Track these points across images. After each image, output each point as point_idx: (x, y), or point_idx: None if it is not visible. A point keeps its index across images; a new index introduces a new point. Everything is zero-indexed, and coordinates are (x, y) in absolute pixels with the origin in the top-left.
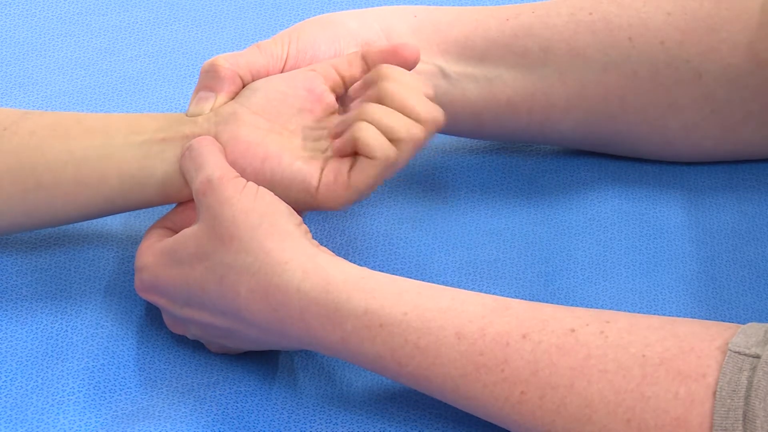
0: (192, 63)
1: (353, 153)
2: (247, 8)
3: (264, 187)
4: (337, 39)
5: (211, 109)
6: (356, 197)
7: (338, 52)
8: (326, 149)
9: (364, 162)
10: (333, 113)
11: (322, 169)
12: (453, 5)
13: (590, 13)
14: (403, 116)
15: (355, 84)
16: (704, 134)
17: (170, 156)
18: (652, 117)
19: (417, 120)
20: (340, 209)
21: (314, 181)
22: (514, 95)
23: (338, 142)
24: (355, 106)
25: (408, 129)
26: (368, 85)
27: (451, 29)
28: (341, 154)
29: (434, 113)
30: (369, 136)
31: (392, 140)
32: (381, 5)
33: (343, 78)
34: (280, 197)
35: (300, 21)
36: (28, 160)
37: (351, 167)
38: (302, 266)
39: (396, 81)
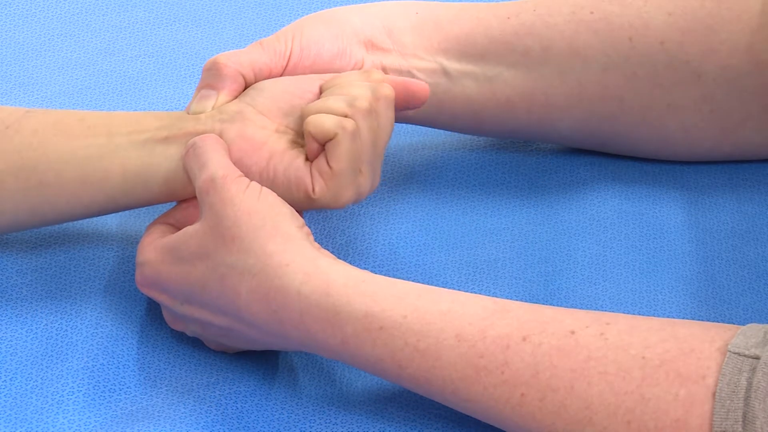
0: (192, 63)
1: (322, 147)
2: (247, 8)
3: (267, 186)
4: (340, 36)
5: (213, 107)
6: (349, 187)
7: (341, 50)
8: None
9: (331, 145)
10: None
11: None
12: (454, 1)
13: (591, 12)
14: (341, 96)
15: None
16: (703, 135)
17: (174, 153)
18: (651, 117)
19: (355, 95)
20: (343, 205)
21: (309, 183)
22: (513, 94)
23: (307, 146)
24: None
25: (349, 102)
26: None
27: (452, 27)
28: (314, 155)
29: (385, 87)
30: (317, 120)
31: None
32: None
33: None
34: (282, 198)
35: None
36: (30, 159)
37: (326, 158)
38: (303, 269)
39: (334, 77)
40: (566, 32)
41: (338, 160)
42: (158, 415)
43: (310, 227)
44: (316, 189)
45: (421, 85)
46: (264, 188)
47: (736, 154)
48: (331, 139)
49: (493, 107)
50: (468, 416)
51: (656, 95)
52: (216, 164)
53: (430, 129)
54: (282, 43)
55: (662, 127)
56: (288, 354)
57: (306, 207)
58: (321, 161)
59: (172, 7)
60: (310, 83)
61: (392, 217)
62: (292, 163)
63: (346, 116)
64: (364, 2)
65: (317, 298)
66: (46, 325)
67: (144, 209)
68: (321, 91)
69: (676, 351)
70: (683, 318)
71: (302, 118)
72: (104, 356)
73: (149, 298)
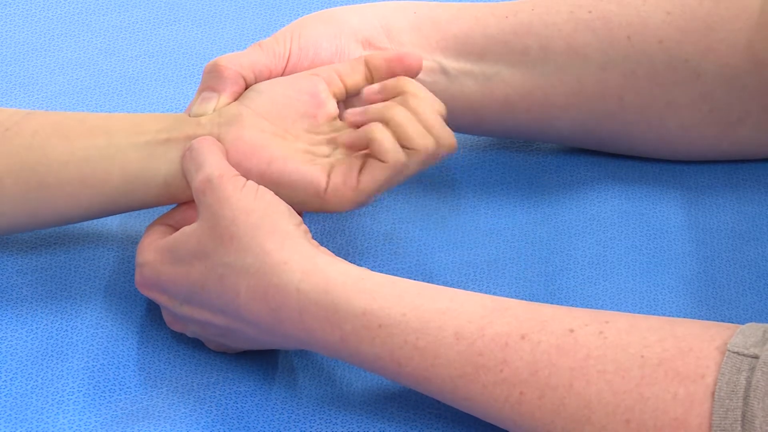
0: (192, 63)
1: (362, 149)
2: (247, 8)
3: (269, 188)
4: (338, 36)
5: (214, 109)
6: (363, 199)
7: (340, 49)
8: (330, 154)
9: (374, 165)
10: (334, 119)
11: (330, 172)
12: (452, 1)
13: (589, 12)
14: (422, 128)
15: (373, 87)
16: (702, 133)
17: (173, 156)
18: (650, 116)
19: (435, 138)
20: (347, 211)
21: (322, 184)
22: (512, 93)
23: (352, 135)
24: (361, 114)
25: (424, 140)
26: (387, 92)
27: (450, 26)
28: (351, 148)
29: (451, 138)
30: (385, 138)
31: (406, 148)
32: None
33: (345, 84)
34: (285, 199)
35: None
36: (30, 160)
37: (360, 170)
38: (301, 267)
39: (420, 98)
40: (565, 31)
41: (372, 180)
42: (158, 415)
43: (309, 227)
44: (329, 191)
45: (414, 56)
46: (260, 187)
47: (735, 152)
48: (380, 161)
49: (491, 106)
50: (467, 415)
51: (655, 94)
52: (212, 165)
53: None
54: (281, 45)
55: (661, 126)
56: (288, 354)
57: (310, 209)
58: (352, 169)
59: (172, 7)
60: (306, 84)
61: (392, 217)
62: (298, 166)
63: (413, 150)
64: (364, 2)
65: (316, 295)
66: (46, 325)
67: (144, 210)
68: (370, 69)
69: (675, 350)
70: (683, 317)
71: (378, 116)
72: (104, 356)
73: (149, 298)
